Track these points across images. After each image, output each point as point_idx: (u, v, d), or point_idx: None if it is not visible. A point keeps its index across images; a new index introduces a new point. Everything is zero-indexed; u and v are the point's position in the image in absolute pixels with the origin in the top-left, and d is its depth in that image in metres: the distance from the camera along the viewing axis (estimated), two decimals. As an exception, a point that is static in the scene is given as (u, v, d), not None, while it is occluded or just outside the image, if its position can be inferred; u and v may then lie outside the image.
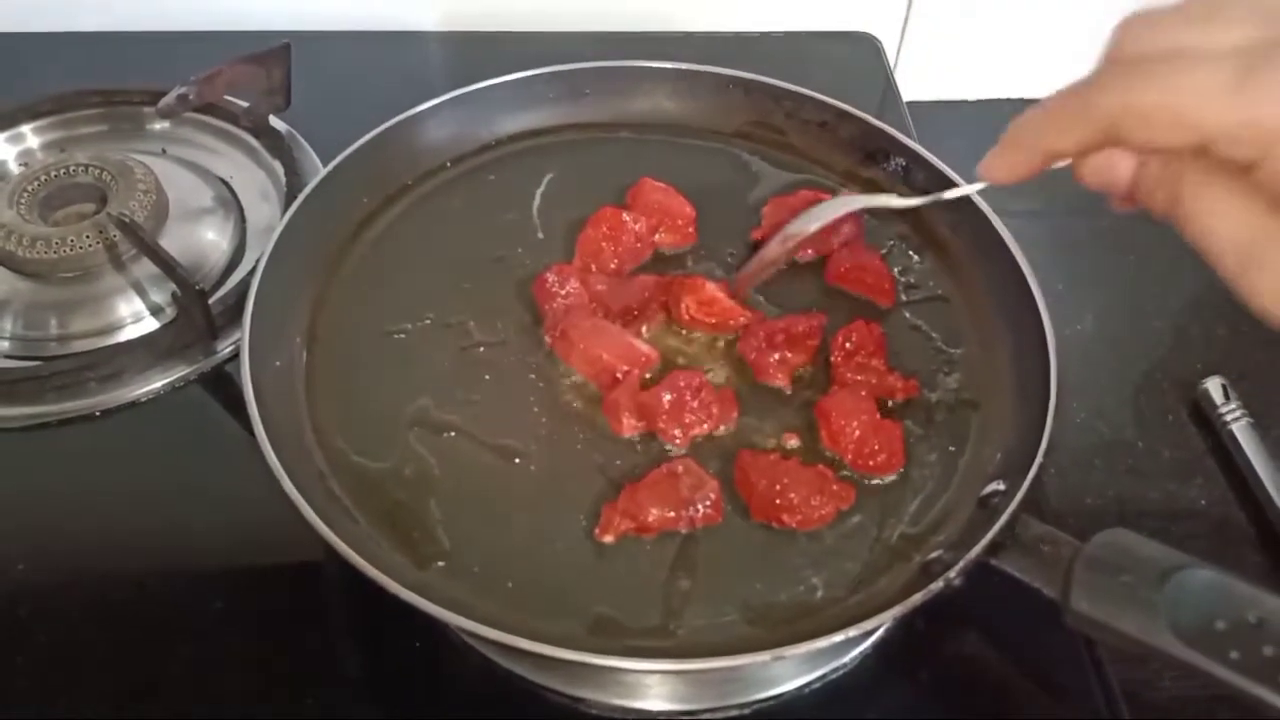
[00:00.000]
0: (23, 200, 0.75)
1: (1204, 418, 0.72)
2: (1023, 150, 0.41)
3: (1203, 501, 0.68)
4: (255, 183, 0.83)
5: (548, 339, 0.65)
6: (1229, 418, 0.70)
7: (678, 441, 0.61)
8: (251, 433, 0.56)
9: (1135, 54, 0.37)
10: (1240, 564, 0.65)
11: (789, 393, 0.64)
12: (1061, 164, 0.41)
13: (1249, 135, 0.33)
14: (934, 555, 0.55)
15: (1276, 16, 0.33)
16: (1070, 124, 0.39)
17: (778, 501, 0.57)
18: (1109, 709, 0.57)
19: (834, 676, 0.58)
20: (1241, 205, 0.34)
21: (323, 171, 0.72)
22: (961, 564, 0.50)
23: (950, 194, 0.48)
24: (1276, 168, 0.32)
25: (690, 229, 0.72)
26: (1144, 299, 0.80)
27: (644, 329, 0.66)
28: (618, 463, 0.60)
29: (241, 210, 0.81)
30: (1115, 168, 0.39)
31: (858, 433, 0.60)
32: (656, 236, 0.71)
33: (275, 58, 0.82)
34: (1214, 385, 0.71)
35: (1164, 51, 0.35)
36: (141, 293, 0.73)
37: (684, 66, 0.81)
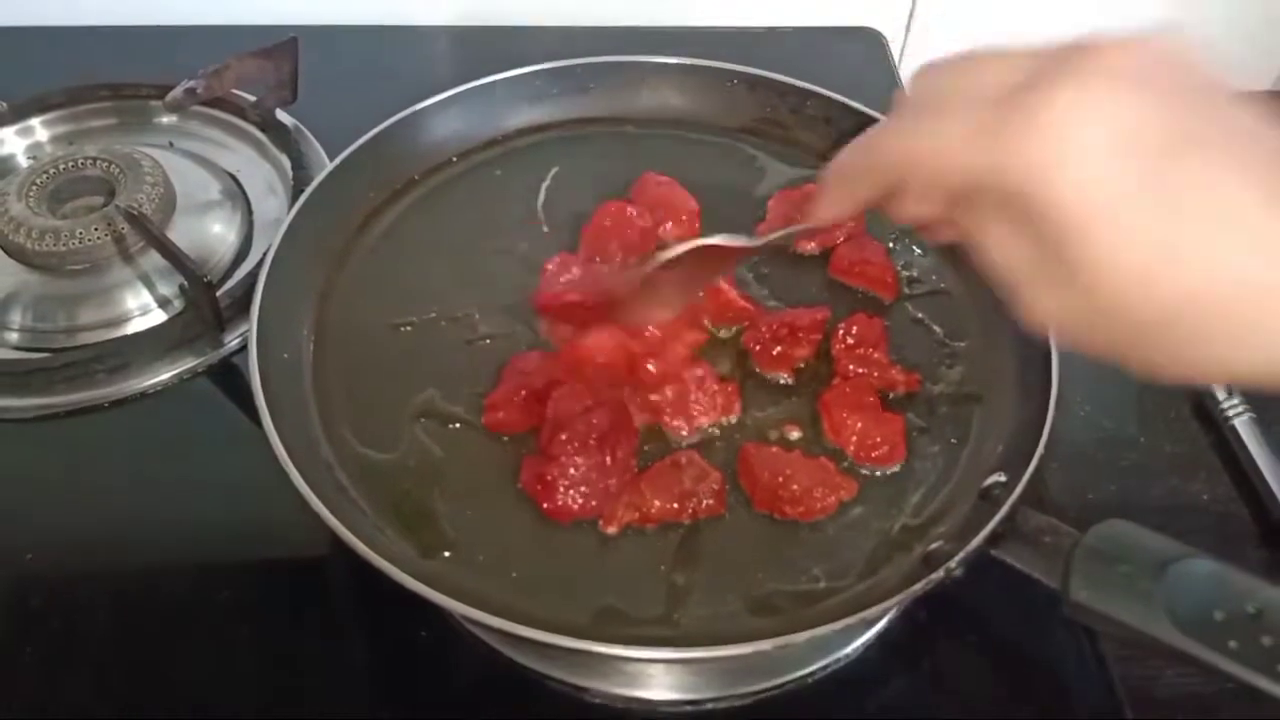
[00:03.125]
0: (32, 193, 0.76)
1: (1206, 413, 0.72)
2: (838, 195, 0.44)
3: (1205, 497, 0.69)
4: (262, 176, 0.83)
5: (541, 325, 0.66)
6: (1231, 413, 0.70)
7: (683, 433, 0.61)
8: (259, 424, 0.56)
9: (918, 103, 0.40)
10: (1242, 559, 0.64)
11: (792, 385, 0.64)
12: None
13: (996, 182, 0.35)
14: (935, 546, 0.56)
15: (1038, 62, 0.35)
16: (864, 173, 0.42)
17: (780, 493, 0.57)
18: (1110, 705, 0.57)
19: (836, 667, 0.58)
20: (1010, 238, 0.36)
21: (329, 166, 0.72)
22: (962, 554, 0.51)
23: (793, 229, 0.51)
24: (1027, 205, 0.34)
25: (694, 223, 0.72)
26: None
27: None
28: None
29: (248, 203, 0.81)
30: (917, 211, 0.41)
31: (860, 425, 0.60)
32: (661, 230, 0.72)
33: (283, 52, 0.82)
34: (1216, 380, 0.71)
35: (940, 99, 0.38)
36: (149, 285, 0.74)
37: (689, 62, 0.81)
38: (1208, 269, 0.33)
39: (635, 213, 0.70)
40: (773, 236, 0.52)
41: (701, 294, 0.65)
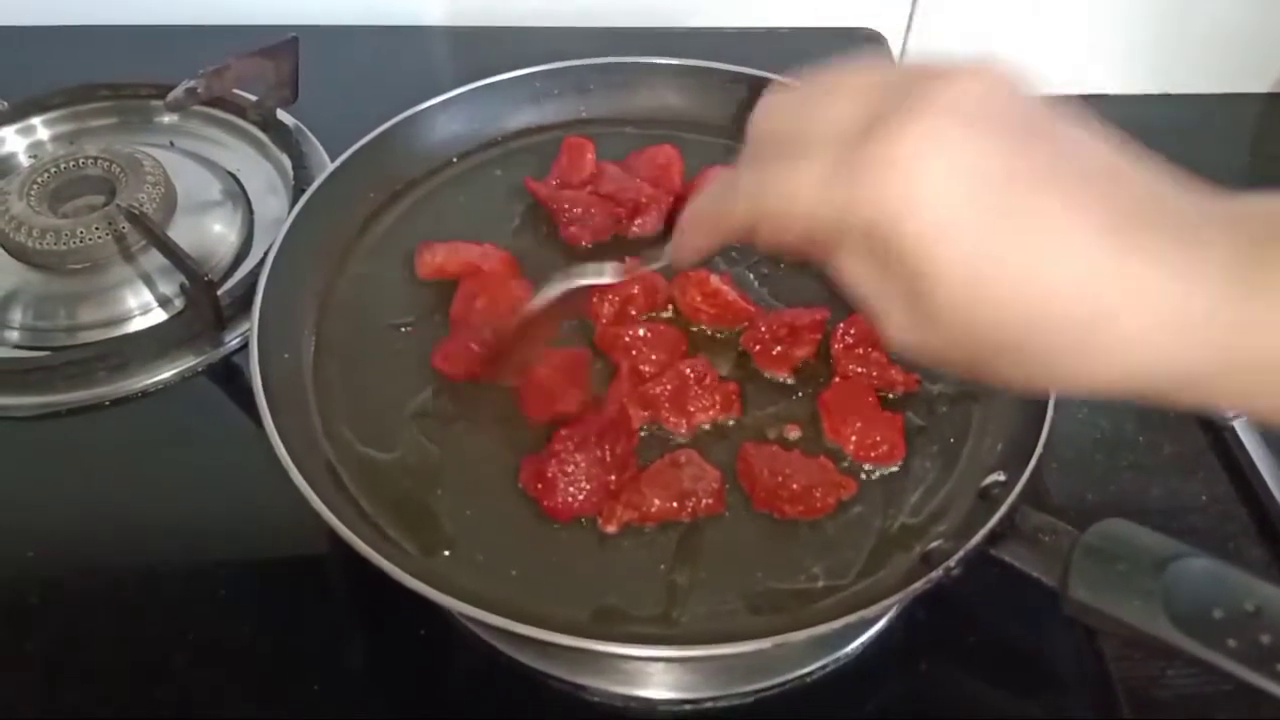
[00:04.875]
0: (33, 192, 0.76)
1: (1205, 414, 0.72)
2: (691, 243, 0.45)
3: (1203, 497, 0.69)
4: (263, 176, 0.83)
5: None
6: (1230, 414, 0.70)
7: (682, 430, 0.61)
8: (259, 423, 0.56)
9: (760, 150, 0.40)
10: (1241, 559, 0.66)
11: (792, 385, 0.64)
12: None
13: (849, 218, 0.35)
14: (934, 545, 0.56)
15: (877, 92, 0.36)
16: (718, 222, 0.43)
17: (780, 492, 0.57)
18: (1109, 703, 0.57)
19: (835, 665, 0.58)
20: (862, 268, 0.37)
21: (330, 167, 0.72)
22: (961, 553, 0.51)
23: (653, 266, 0.52)
24: (878, 242, 0.35)
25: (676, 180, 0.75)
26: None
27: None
28: (622, 453, 0.61)
29: (249, 203, 0.81)
30: (775, 245, 0.41)
31: (859, 424, 0.60)
32: (636, 224, 0.73)
33: (283, 52, 0.82)
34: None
35: (783, 142, 0.38)
36: (150, 284, 0.74)
37: (688, 63, 0.81)
38: (1043, 296, 0.34)
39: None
40: (642, 269, 0.54)
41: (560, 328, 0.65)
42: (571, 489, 0.57)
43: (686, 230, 0.45)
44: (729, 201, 0.42)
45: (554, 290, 0.56)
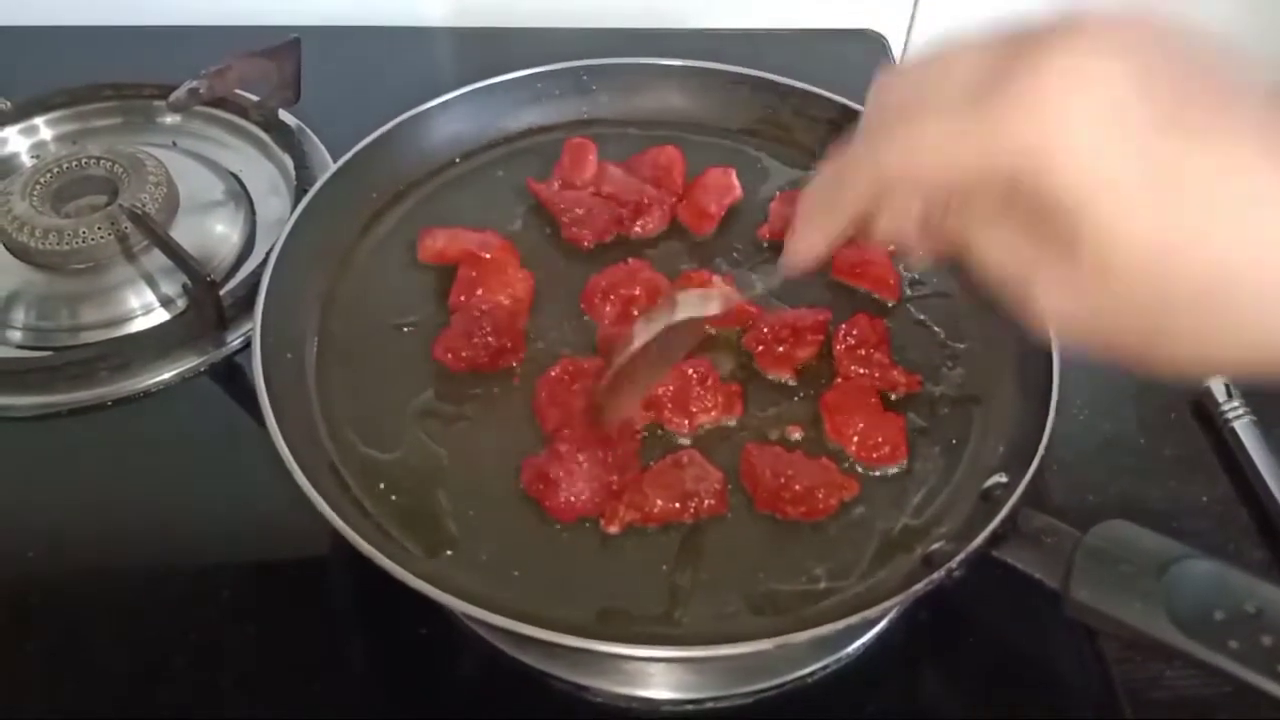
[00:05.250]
0: (35, 192, 0.76)
1: (1206, 415, 0.72)
2: (814, 231, 0.42)
3: (1204, 498, 0.69)
4: (265, 176, 0.84)
5: None
6: (1231, 415, 0.70)
7: (684, 430, 0.61)
8: (261, 423, 0.56)
9: (883, 118, 0.37)
10: (1242, 560, 0.66)
11: (794, 386, 0.64)
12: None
13: (991, 172, 0.33)
14: (936, 546, 0.56)
15: (1012, 46, 0.34)
16: (842, 199, 0.40)
17: (782, 493, 0.57)
18: (1111, 705, 0.57)
19: (837, 666, 0.58)
20: (1010, 233, 0.35)
21: (333, 167, 0.72)
22: (963, 555, 0.51)
23: (757, 289, 0.50)
24: (1024, 196, 0.33)
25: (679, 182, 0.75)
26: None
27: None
28: (624, 454, 0.61)
29: (251, 203, 0.81)
30: (900, 228, 0.39)
31: (861, 426, 0.60)
32: (638, 225, 0.73)
33: (286, 52, 0.83)
34: (1216, 383, 0.71)
35: (906, 109, 0.36)
36: (152, 284, 0.74)
37: (691, 64, 0.81)
38: (1227, 237, 0.31)
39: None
40: (751, 293, 0.51)
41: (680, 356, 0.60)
42: (573, 489, 0.57)
43: (802, 226, 0.42)
44: (849, 180, 0.39)
45: (654, 326, 0.51)
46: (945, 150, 0.34)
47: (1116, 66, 0.32)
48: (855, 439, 0.60)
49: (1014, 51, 0.33)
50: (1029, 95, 0.32)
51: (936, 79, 0.35)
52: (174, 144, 0.85)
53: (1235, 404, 0.70)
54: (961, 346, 0.67)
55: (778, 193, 0.75)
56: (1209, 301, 0.32)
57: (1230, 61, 0.33)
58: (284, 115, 0.85)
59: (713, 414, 0.62)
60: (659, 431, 0.62)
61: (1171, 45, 0.33)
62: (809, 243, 0.42)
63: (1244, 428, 0.69)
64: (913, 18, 1.02)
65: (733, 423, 0.62)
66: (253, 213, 0.81)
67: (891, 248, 0.71)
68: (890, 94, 0.38)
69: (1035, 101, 0.32)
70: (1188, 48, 0.33)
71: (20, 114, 0.86)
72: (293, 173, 0.81)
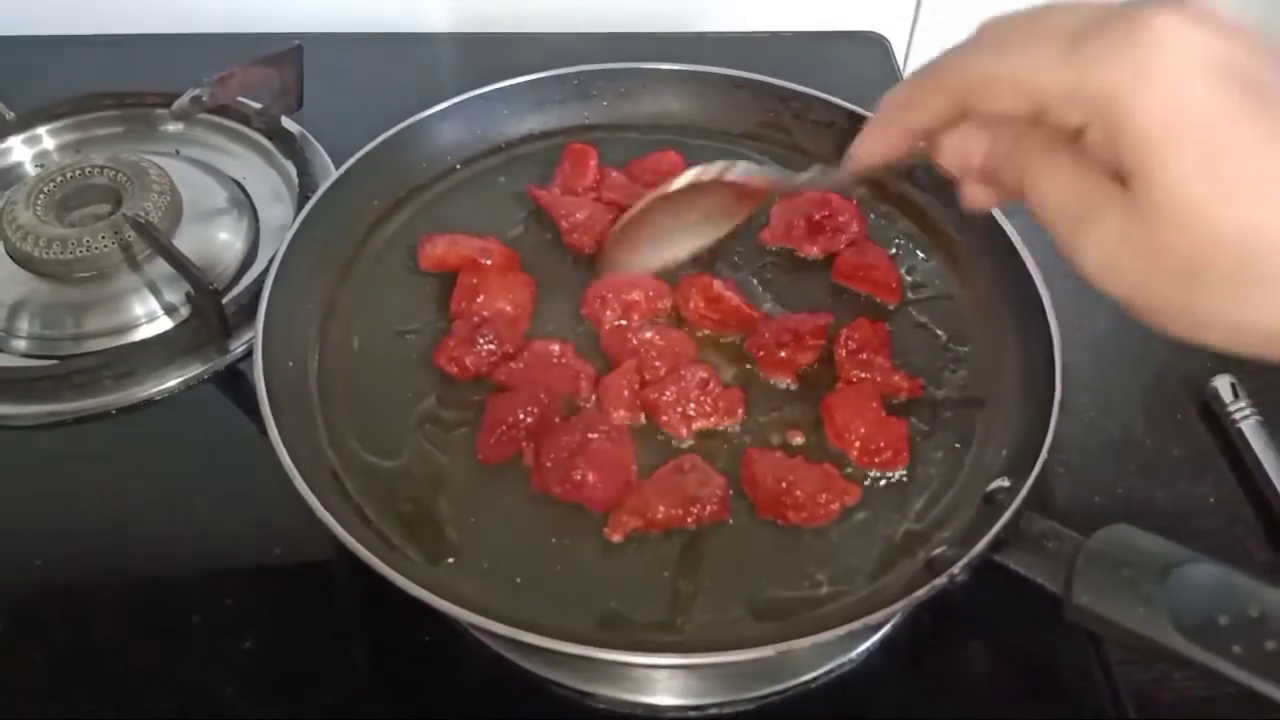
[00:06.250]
0: (39, 201, 0.76)
1: (1213, 416, 0.71)
2: (889, 128, 0.44)
3: (1211, 499, 0.68)
4: (268, 183, 0.84)
5: None
6: (1238, 416, 0.70)
7: (682, 434, 0.61)
8: (264, 431, 0.57)
9: (987, 38, 0.39)
10: (1249, 562, 0.65)
11: (795, 390, 0.64)
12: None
13: (1073, 99, 0.35)
14: (938, 551, 0.56)
15: (1117, 7, 0.36)
16: (928, 95, 0.41)
17: (784, 498, 0.57)
18: (1116, 709, 0.57)
19: (840, 672, 0.58)
20: (1071, 173, 0.37)
21: (334, 174, 0.72)
22: (965, 560, 0.51)
23: (829, 178, 0.49)
24: (1096, 131, 0.35)
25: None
26: (1153, 297, 0.80)
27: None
28: (626, 459, 0.61)
29: (254, 211, 0.82)
30: (968, 148, 0.41)
31: (863, 430, 0.60)
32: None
33: (288, 60, 0.83)
34: (1223, 383, 0.71)
35: (1013, 34, 0.38)
36: (156, 292, 0.74)
37: (691, 68, 0.81)
38: (1276, 210, 0.33)
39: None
40: (801, 181, 0.51)
41: (708, 243, 0.63)
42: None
43: (872, 127, 0.44)
44: (931, 88, 0.40)
45: (678, 183, 0.52)
46: (1034, 76, 0.36)
47: (1212, 40, 0.34)
48: (857, 444, 0.60)
49: (1119, 11, 0.35)
50: (1126, 42, 0.34)
51: (1038, 20, 0.37)
52: (177, 152, 0.86)
53: (1242, 404, 0.70)
54: (964, 349, 0.67)
55: (778, 197, 0.75)
56: (1248, 267, 0.34)
57: None
58: (286, 122, 0.86)
59: (714, 419, 0.62)
60: (659, 436, 0.62)
61: (1256, 38, 0.35)
62: (876, 143, 0.44)
63: (1251, 428, 0.69)
64: (915, 20, 1.01)
65: (734, 427, 0.62)
66: (256, 220, 0.81)
67: (894, 249, 0.71)
68: (1000, 23, 0.40)
69: (1132, 48, 0.34)
70: (1268, 42, 0.36)
71: (23, 124, 0.86)
72: (295, 180, 0.81)
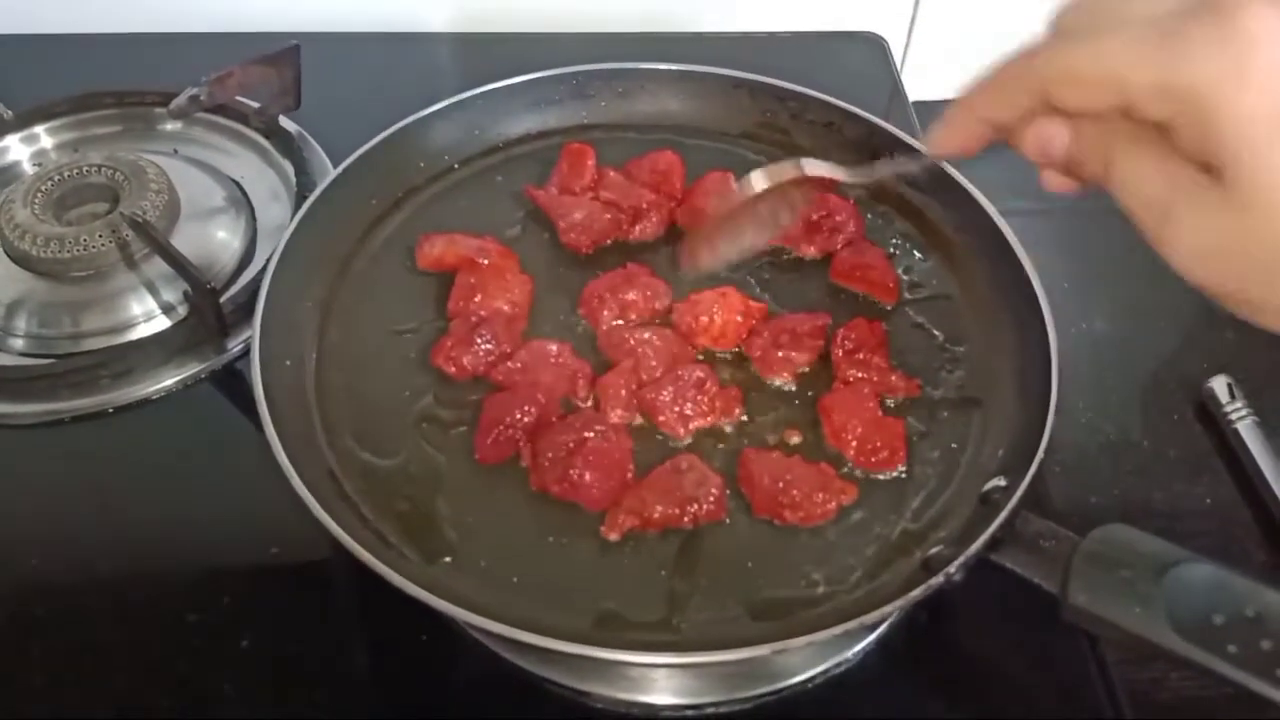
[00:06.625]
0: (37, 200, 0.76)
1: (1210, 417, 0.72)
2: (968, 120, 0.44)
3: (1208, 500, 0.68)
4: (266, 182, 0.84)
5: None
6: (1234, 417, 0.70)
7: (679, 433, 0.61)
8: (261, 430, 0.57)
9: (1069, 28, 0.39)
10: (1245, 562, 0.65)
11: (793, 390, 0.64)
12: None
13: (1164, 94, 0.35)
14: (935, 551, 0.56)
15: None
16: (1010, 90, 0.41)
17: (781, 498, 0.57)
18: (1113, 709, 0.57)
19: (837, 671, 0.58)
20: (1159, 164, 0.37)
21: (332, 174, 0.72)
22: (961, 559, 0.51)
23: (898, 166, 0.50)
24: (1187, 125, 0.35)
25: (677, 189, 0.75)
26: (1150, 298, 0.80)
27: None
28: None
29: (252, 210, 0.82)
30: (1052, 138, 0.41)
31: (860, 429, 0.60)
32: (636, 229, 0.73)
33: (285, 59, 0.83)
34: (1220, 384, 0.71)
35: (1095, 23, 0.38)
36: (154, 291, 0.74)
37: (689, 68, 0.81)
38: None
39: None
40: (877, 172, 0.52)
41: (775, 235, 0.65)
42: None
43: (953, 114, 0.44)
44: (1016, 79, 0.40)
45: (779, 175, 0.53)
46: (1123, 72, 0.36)
47: None
48: (854, 443, 0.60)
49: (1207, 2, 0.35)
50: (1220, 37, 0.34)
51: (1120, 5, 0.37)
52: (175, 151, 0.86)
53: (1238, 405, 0.70)
54: (961, 349, 0.67)
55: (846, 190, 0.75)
56: None
57: None
58: (284, 121, 0.86)
59: (711, 418, 0.62)
60: (657, 436, 0.62)
61: None
62: (955, 133, 0.44)
63: (1247, 429, 0.69)
64: (913, 21, 1.01)
65: (731, 427, 0.62)
66: (254, 219, 0.81)
67: (891, 249, 0.71)
68: (1069, 18, 0.39)
69: (1227, 43, 0.34)
70: None
71: (21, 122, 0.86)
72: (293, 179, 0.81)
